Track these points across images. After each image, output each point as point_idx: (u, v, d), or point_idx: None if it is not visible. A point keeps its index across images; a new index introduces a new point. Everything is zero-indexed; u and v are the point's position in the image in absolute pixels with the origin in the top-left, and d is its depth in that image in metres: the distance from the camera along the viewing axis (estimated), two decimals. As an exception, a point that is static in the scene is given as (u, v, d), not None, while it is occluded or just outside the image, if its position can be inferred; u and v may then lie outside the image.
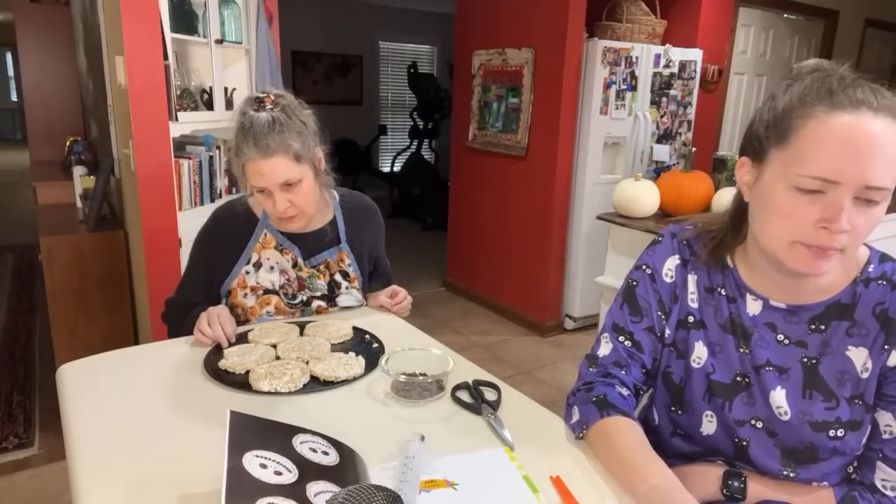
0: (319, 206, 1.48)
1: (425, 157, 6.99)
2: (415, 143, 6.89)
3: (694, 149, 3.49)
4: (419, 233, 6.27)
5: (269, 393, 1.11)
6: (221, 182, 2.72)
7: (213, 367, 1.20)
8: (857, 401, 0.88)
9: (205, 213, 1.56)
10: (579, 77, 3.46)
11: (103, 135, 3.24)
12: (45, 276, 2.73)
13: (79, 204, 3.35)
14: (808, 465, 0.91)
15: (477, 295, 4.23)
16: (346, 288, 1.55)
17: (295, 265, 1.49)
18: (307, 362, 1.21)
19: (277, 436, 0.85)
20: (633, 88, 3.56)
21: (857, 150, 0.75)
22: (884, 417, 0.88)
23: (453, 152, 4.31)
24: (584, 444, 0.97)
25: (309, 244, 1.50)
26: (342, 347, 1.31)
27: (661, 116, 3.74)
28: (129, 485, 0.86)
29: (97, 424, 1.01)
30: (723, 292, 0.97)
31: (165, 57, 2.25)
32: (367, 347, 1.32)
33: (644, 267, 1.04)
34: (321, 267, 1.52)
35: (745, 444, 0.94)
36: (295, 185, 1.35)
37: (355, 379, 1.18)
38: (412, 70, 6.90)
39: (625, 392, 0.99)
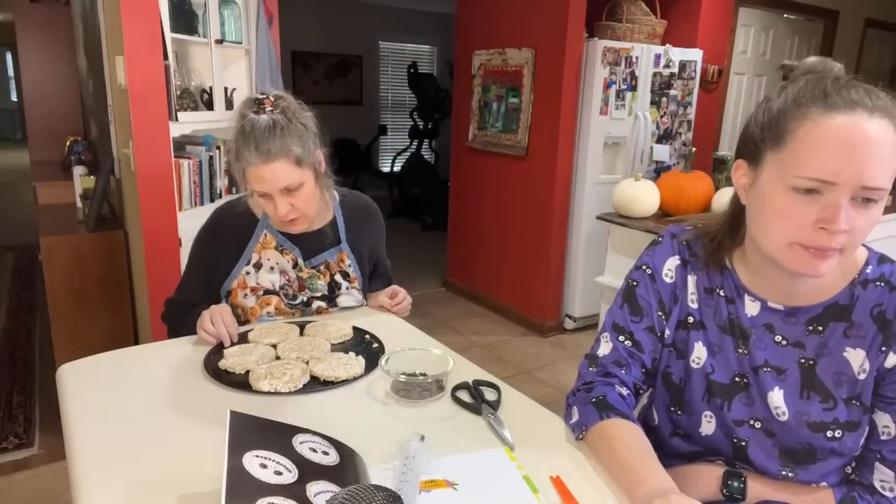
0: (319, 207, 1.48)
1: (425, 157, 6.99)
2: (415, 143, 6.89)
3: (694, 149, 3.50)
4: (419, 233, 6.27)
5: (269, 393, 1.12)
6: (221, 182, 2.72)
7: (213, 367, 1.20)
8: (854, 402, 0.88)
9: (205, 213, 1.56)
10: (579, 77, 3.46)
11: (103, 135, 3.24)
12: (45, 276, 2.73)
13: (79, 204, 3.35)
14: (807, 466, 0.91)
15: (477, 295, 4.23)
16: (347, 288, 1.55)
17: (295, 266, 1.49)
18: (307, 362, 1.21)
19: (277, 436, 0.85)
20: (633, 88, 3.56)
21: (853, 151, 0.75)
22: (882, 418, 0.88)
23: (453, 152, 4.31)
24: (584, 444, 0.97)
25: (309, 245, 1.50)
26: (342, 347, 1.31)
27: (661, 116, 3.74)
28: (129, 485, 0.86)
29: (97, 424, 1.01)
30: (722, 293, 0.97)
31: (165, 57, 2.25)
32: (367, 347, 1.32)
33: (644, 267, 1.04)
34: (321, 267, 1.52)
35: (743, 444, 0.94)
36: (296, 189, 1.34)
37: (355, 379, 1.18)
38: (412, 70, 6.90)
39: (625, 392, 0.99)
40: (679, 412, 1.00)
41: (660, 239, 1.05)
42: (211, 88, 2.60)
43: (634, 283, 1.04)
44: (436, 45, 8.04)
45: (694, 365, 0.98)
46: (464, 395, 1.13)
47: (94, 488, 0.86)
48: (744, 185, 0.89)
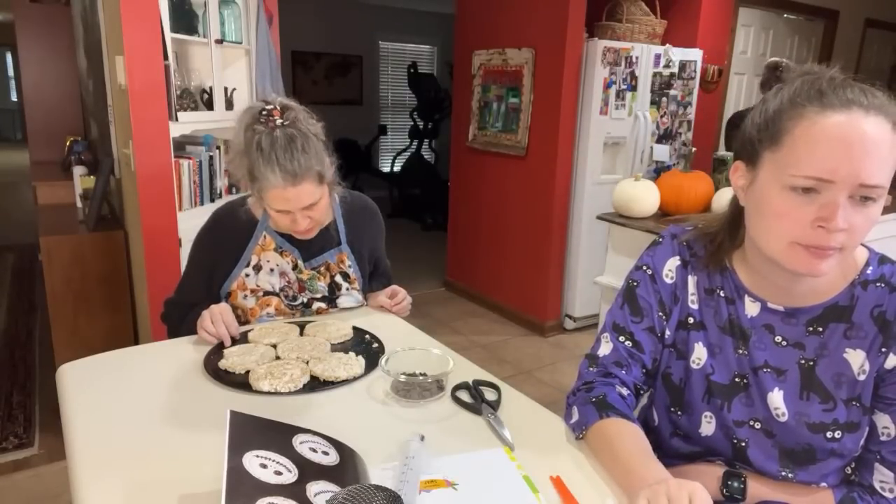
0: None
1: (425, 157, 6.99)
2: (415, 143, 6.89)
3: (694, 149, 3.50)
4: (419, 233, 6.27)
5: (269, 393, 1.12)
6: (221, 182, 2.73)
7: (214, 367, 1.20)
8: (854, 403, 0.88)
9: (205, 212, 1.56)
10: (579, 77, 3.46)
11: (103, 135, 3.24)
12: (45, 276, 2.73)
13: (79, 204, 3.35)
14: (806, 466, 0.91)
15: (477, 295, 4.23)
16: (347, 289, 1.55)
17: (295, 267, 1.49)
18: (307, 362, 1.21)
19: (277, 436, 0.85)
20: (633, 88, 3.56)
21: (850, 149, 0.75)
22: (882, 419, 0.88)
23: (453, 152, 4.31)
24: (584, 444, 0.97)
25: (309, 246, 1.49)
26: (342, 347, 1.31)
27: (661, 116, 3.74)
28: (129, 485, 0.86)
29: (97, 424, 1.01)
30: (722, 294, 0.97)
31: (165, 57, 2.25)
32: (367, 347, 1.32)
33: (645, 267, 1.04)
34: (322, 268, 1.52)
35: (743, 444, 0.94)
36: (315, 204, 1.34)
37: (355, 379, 1.18)
38: (412, 70, 6.90)
39: (625, 392, 0.99)
40: (679, 413, 1.00)
41: (660, 239, 1.05)
42: (211, 88, 2.60)
43: (635, 284, 1.04)
44: (436, 45, 8.04)
45: (694, 365, 0.98)
46: (464, 395, 1.13)
47: (94, 488, 0.86)
48: (742, 187, 0.89)
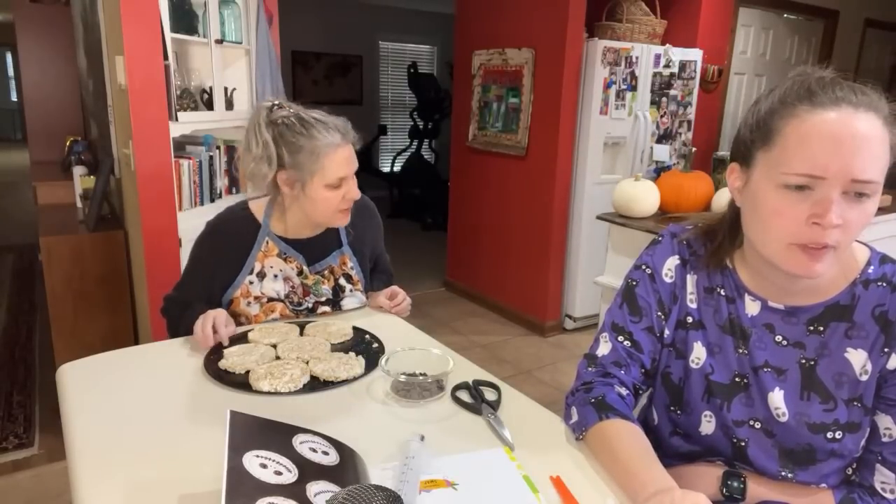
0: None
1: (425, 157, 6.99)
2: (415, 143, 6.88)
3: (694, 149, 3.50)
4: (419, 233, 6.27)
5: (269, 393, 1.12)
6: (221, 182, 2.72)
7: (214, 367, 1.20)
8: (855, 403, 0.88)
9: (205, 212, 1.56)
10: (579, 77, 3.45)
11: (103, 135, 3.24)
12: (45, 276, 2.73)
13: (79, 204, 3.35)
14: (806, 467, 0.91)
15: (477, 295, 4.23)
16: (350, 291, 1.54)
17: (300, 273, 1.48)
18: (307, 362, 1.21)
19: (277, 436, 0.85)
20: (633, 88, 3.56)
21: (840, 145, 0.76)
22: (883, 420, 0.88)
23: (453, 152, 4.31)
24: (584, 444, 0.97)
25: (312, 250, 1.49)
26: (342, 347, 1.31)
27: (661, 116, 3.74)
28: (129, 485, 0.86)
29: (97, 424, 1.01)
30: (722, 293, 0.97)
31: (165, 57, 2.25)
32: (367, 347, 1.32)
33: (644, 267, 1.04)
34: (326, 272, 1.51)
35: (743, 444, 0.94)
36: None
37: (355, 379, 1.18)
38: (412, 70, 6.90)
39: (624, 392, 0.99)
40: (678, 412, 1.00)
41: (660, 238, 1.05)
42: (211, 88, 2.60)
43: (634, 283, 1.04)
44: (436, 45, 8.04)
45: (693, 365, 0.98)
46: (464, 395, 1.13)
47: (94, 488, 0.86)
48: (738, 188, 0.90)
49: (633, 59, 3.50)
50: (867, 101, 0.78)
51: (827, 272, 0.83)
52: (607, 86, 3.45)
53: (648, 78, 3.61)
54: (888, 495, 0.88)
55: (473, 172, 4.12)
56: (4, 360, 3.17)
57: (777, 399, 0.91)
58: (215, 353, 1.26)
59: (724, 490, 0.93)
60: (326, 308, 1.52)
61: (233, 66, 2.76)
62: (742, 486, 0.93)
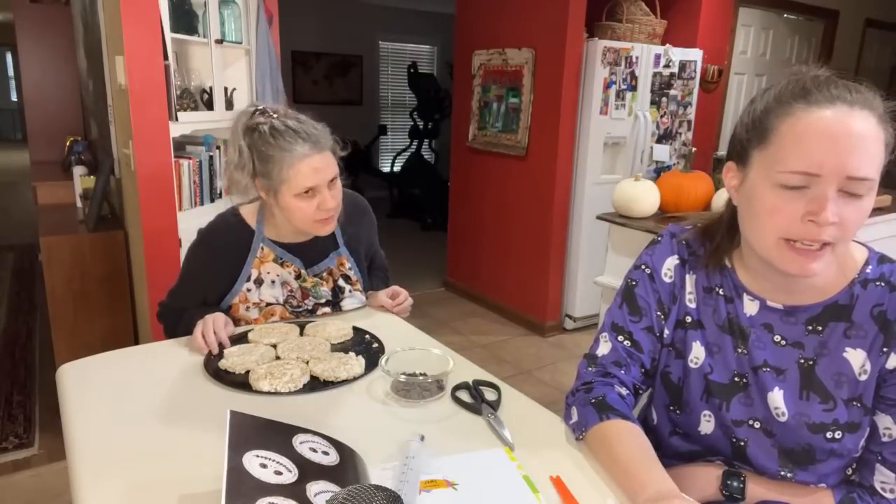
0: None
1: (425, 157, 6.99)
2: (415, 143, 6.88)
3: (694, 149, 3.49)
4: (419, 233, 6.27)
5: (269, 393, 1.12)
6: (221, 182, 2.72)
7: (214, 367, 1.20)
8: (854, 403, 0.88)
9: (205, 213, 1.56)
10: (579, 77, 3.46)
11: (103, 135, 3.24)
12: (45, 276, 2.73)
13: (79, 204, 3.35)
14: (806, 466, 0.91)
15: (477, 295, 4.23)
16: (350, 291, 1.54)
17: (298, 276, 1.47)
18: (307, 362, 1.21)
19: (277, 436, 0.85)
20: (633, 88, 3.56)
21: (835, 142, 0.77)
22: (883, 420, 0.88)
23: (453, 152, 4.31)
24: (584, 444, 0.97)
25: (309, 253, 1.48)
26: (342, 347, 1.31)
27: (661, 116, 3.74)
28: (129, 485, 0.86)
29: (97, 424, 1.01)
30: (721, 292, 0.97)
31: (165, 57, 2.25)
32: (367, 347, 1.32)
33: (643, 267, 1.04)
34: (324, 274, 1.51)
35: (742, 444, 0.94)
36: (335, 181, 1.36)
37: (355, 379, 1.18)
38: (412, 70, 6.90)
39: (624, 392, 0.99)
40: (678, 411, 1.00)
41: (659, 238, 1.05)
42: (211, 88, 2.60)
43: (633, 283, 1.04)
44: (436, 45, 8.04)
45: (692, 365, 0.98)
46: (464, 395, 1.13)
47: (94, 488, 0.86)
48: (734, 187, 0.90)
49: (633, 59, 3.50)
50: (862, 99, 0.78)
51: (823, 271, 0.83)
52: (607, 86, 3.45)
53: (648, 78, 3.61)
54: (888, 495, 0.88)
55: (473, 172, 4.12)
56: (4, 360, 3.17)
57: (776, 399, 0.91)
58: (215, 352, 1.26)
59: (724, 490, 0.93)
60: (326, 309, 1.52)
61: (233, 66, 2.76)
62: (742, 485, 0.93)
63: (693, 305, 0.99)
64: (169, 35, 2.30)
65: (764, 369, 0.93)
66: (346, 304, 1.54)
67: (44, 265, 2.72)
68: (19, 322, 3.70)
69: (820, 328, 0.90)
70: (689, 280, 1.00)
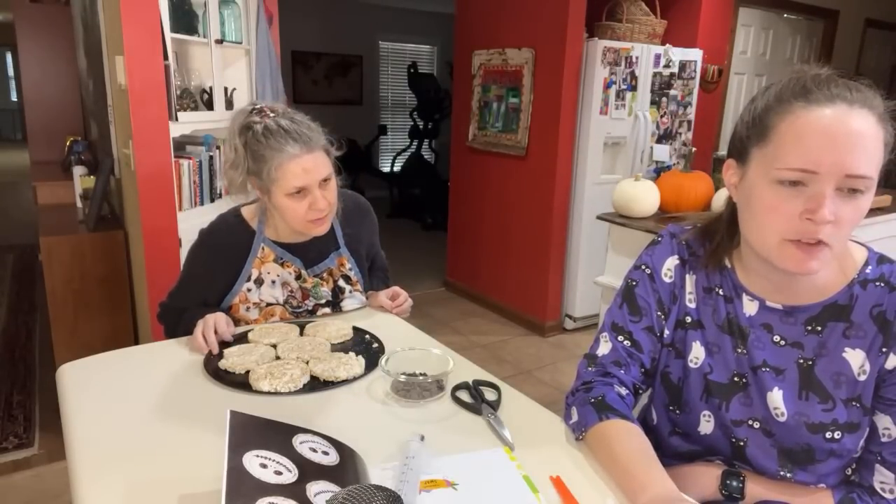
0: None
1: (425, 157, 6.99)
2: (415, 143, 6.88)
3: (694, 149, 3.49)
4: (419, 233, 6.27)
5: (269, 393, 1.12)
6: (221, 182, 2.72)
7: (214, 367, 1.20)
8: (854, 403, 0.88)
9: (205, 213, 1.56)
10: (579, 77, 3.46)
11: (103, 135, 3.24)
12: (45, 276, 2.73)
13: (79, 204, 3.35)
14: (805, 466, 0.91)
15: (477, 295, 4.23)
16: (350, 292, 1.54)
17: (298, 277, 1.47)
18: (307, 362, 1.21)
19: (277, 436, 0.85)
20: (633, 88, 3.56)
21: (834, 140, 0.77)
22: (882, 420, 0.88)
23: (453, 152, 4.31)
24: (584, 444, 0.97)
25: (309, 253, 1.48)
26: (342, 347, 1.31)
27: (661, 116, 3.74)
28: (129, 485, 0.86)
29: (97, 424, 1.01)
30: (720, 292, 0.97)
31: (165, 57, 2.25)
32: (367, 347, 1.32)
33: (643, 267, 1.04)
34: (324, 274, 1.51)
35: (742, 443, 0.94)
36: (329, 181, 1.35)
37: (355, 379, 1.18)
38: (412, 70, 6.90)
39: (623, 392, 0.99)
40: (677, 411, 1.00)
41: (659, 239, 1.05)
42: (211, 88, 2.60)
43: (633, 283, 1.04)
44: (436, 45, 8.04)
45: (692, 364, 0.98)
46: (464, 395, 1.13)
47: (94, 488, 0.86)
48: (734, 184, 0.91)
49: (633, 59, 3.50)
50: (862, 98, 0.79)
51: (821, 269, 0.83)
52: (607, 86, 3.45)
53: (648, 78, 3.61)
54: (887, 495, 0.88)
55: (473, 172, 4.12)
56: (4, 360, 3.17)
57: (776, 399, 0.91)
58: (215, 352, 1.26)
59: (724, 489, 0.93)
60: (326, 310, 1.52)
61: (233, 66, 2.76)
62: (741, 485, 0.93)
63: (693, 305, 0.99)
64: (169, 35, 2.30)
65: (763, 369, 0.93)
66: (347, 304, 1.54)
67: (44, 265, 2.72)
68: (19, 322, 3.70)
69: (819, 328, 0.90)
70: (689, 280, 1.00)
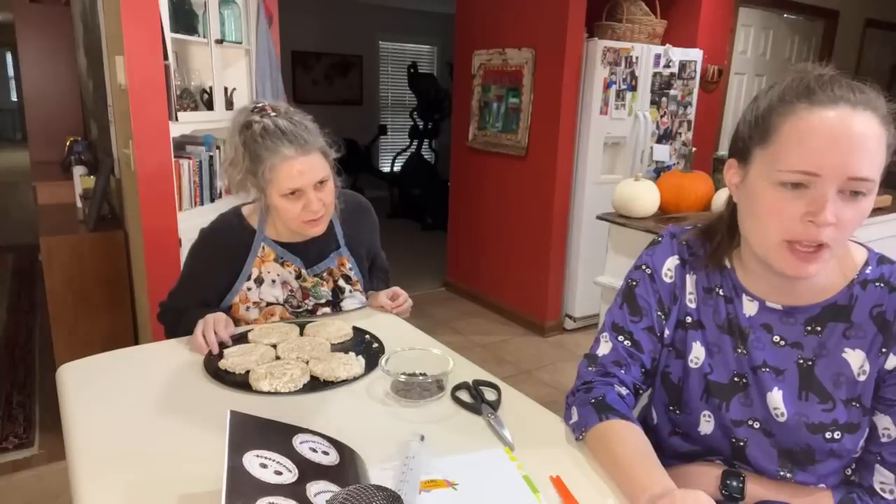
0: None
1: (425, 157, 6.99)
2: (415, 143, 6.88)
3: (694, 149, 3.49)
4: (419, 233, 6.27)
5: (269, 393, 1.12)
6: (221, 182, 2.72)
7: (214, 367, 1.20)
8: (854, 403, 0.88)
9: (205, 213, 1.56)
10: (579, 77, 3.46)
11: (103, 135, 3.24)
12: (45, 276, 2.73)
13: (79, 204, 3.35)
14: (805, 467, 0.91)
15: (477, 295, 4.23)
16: (350, 291, 1.54)
17: (298, 276, 1.47)
18: (307, 362, 1.21)
19: (277, 436, 0.85)
20: (633, 88, 3.56)
21: (836, 142, 0.76)
22: (882, 421, 0.88)
23: (453, 152, 4.31)
24: (584, 444, 0.97)
25: (310, 253, 1.48)
26: (342, 347, 1.31)
27: (661, 116, 3.74)
28: (129, 485, 0.86)
29: (97, 424, 1.01)
30: (721, 293, 0.97)
31: (165, 57, 2.25)
32: (367, 347, 1.32)
33: (644, 267, 1.04)
34: (324, 274, 1.51)
35: (742, 444, 0.94)
36: (325, 183, 1.35)
37: (355, 379, 1.18)
38: (412, 70, 6.90)
39: (624, 391, 0.99)
40: (677, 412, 1.00)
41: (659, 239, 1.05)
42: (211, 88, 2.60)
43: (634, 283, 1.04)
44: (436, 45, 8.04)
45: (692, 365, 0.98)
46: (464, 395, 1.13)
47: (94, 488, 0.86)
48: (735, 184, 0.90)
49: (633, 59, 3.50)
50: (865, 99, 0.78)
51: (821, 272, 0.83)
52: (607, 86, 3.45)
53: (648, 78, 3.61)
54: (887, 495, 0.88)
55: (473, 172, 4.12)
56: (4, 360, 3.17)
57: (776, 399, 0.91)
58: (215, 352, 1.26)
59: (723, 490, 0.93)
60: (326, 310, 1.52)
61: (233, 66, 2.76)
62: (741, 485, 0.93)
63: (693, 306, 0.99)
64: (169, 35, 2.30)
65: (763, 369, 0.93)
66: (347, 304, 1.54)
67: (44, 265, 2.72)
68: (19, 322, 3.70)
69: (819, 328, 0.90)
70: (690, 280, 1.00)
